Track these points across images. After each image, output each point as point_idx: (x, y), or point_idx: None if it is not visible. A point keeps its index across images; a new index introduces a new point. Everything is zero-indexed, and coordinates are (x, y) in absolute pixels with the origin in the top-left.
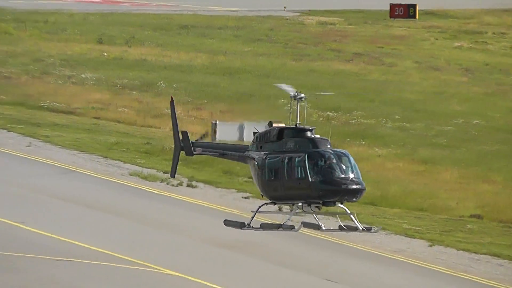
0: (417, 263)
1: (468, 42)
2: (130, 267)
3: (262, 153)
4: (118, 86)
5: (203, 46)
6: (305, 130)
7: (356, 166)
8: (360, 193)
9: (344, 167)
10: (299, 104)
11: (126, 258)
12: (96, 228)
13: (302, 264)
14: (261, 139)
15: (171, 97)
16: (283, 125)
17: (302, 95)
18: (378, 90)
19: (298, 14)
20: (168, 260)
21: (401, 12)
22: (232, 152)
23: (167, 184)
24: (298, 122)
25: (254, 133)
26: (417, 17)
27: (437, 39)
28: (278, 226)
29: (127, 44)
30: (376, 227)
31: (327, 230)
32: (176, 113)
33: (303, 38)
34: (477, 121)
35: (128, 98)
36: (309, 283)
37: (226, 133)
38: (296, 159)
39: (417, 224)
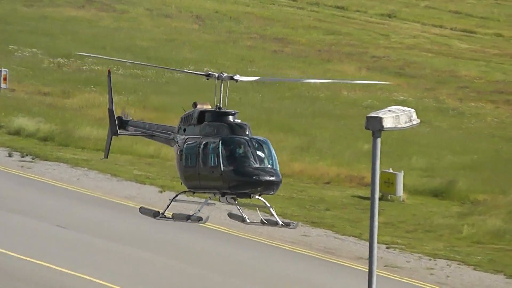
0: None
1: None
2: None
3: (183, 136)
4: None
5: None
6: (226, 114)
7: (275, 156)
8: (276, 185)
9: (259, 156)
10: (222, 85)
11: None
12: None
13: (34, 210)
14: (184, 122)
15: (108, 70)
16: (209, 107)
17: (225, 74)
18: (110, 37)
19: None
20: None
21: None
22: (160, 133)
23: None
24: (219, 104)
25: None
26: None
27: None
28: (187, 217)
29: None
30: (295, 222)
31: (250, 223)
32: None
33: None
34: (207, 68)
35: None
36: (40, 229)
37: None
38: (211, 145)
39: (148, 170)
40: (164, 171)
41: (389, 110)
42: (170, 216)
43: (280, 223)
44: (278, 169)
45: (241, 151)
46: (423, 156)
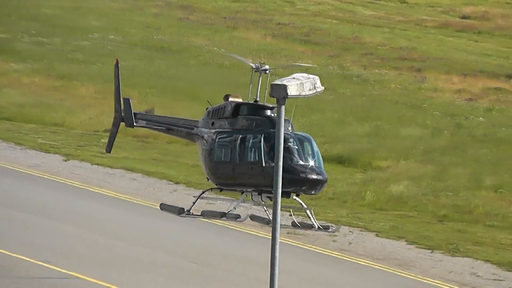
0: (52, 178)
1: None
2: None
3: (212, 130)
4: None
5: None
6: (265, 107)
7: (319, 153)
8: (321, 184)
9: (304, 153)
10: (260, 77)
11: None
12: None
13: None
14: (213, 115)
15: (116, 59)
16: (240, 100)
17: (267, 67)
18: (16, 5)
19: None
20: None
21: None
22: (179, 128)
23: None
24: (257, 98)
25: (207, 108)
26: None
27: None
28: (222, 215)
29: None
30: (335, 226)
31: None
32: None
33: None
34: (113, 36)
35: None
36: None
37: None
38: (251, 140)
39: (52, 139)
40: (68, 140)
41: (294, 78)
42: (198, 213)
43: (317, 226)
44: (323, 167)
45: (285, 146)
46: (327, 123)
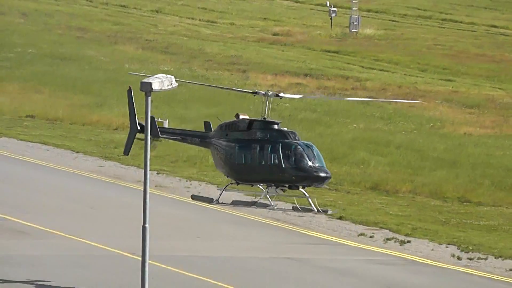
0: None
1: None
2: None
3: (230, 140)
4: None
5: None
6: (273, 123)
7: (321, 156)
8: (327, 180)
9: (313, 157)
10: (267, 101)
11: None
12: None
13: None
14: (227, 128)
15: (129, 86)
16: (247, 116)
17: (270, 93)
18: None
19: None
20: None
21: None
22: (193, 138)
23: None
24: (265, 116)
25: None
26: None
27: None
28: (252, 203)
29: None
30: (331, 210)
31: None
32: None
33: None
34: (31, 50)
35: None
36: None
37: None
38: (270, 147)
39: None
40: (0, 123)
41: (156, 77)
42: (228, 202)
43: (316, 210)
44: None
45: (299, 152)
46: (181, 107)
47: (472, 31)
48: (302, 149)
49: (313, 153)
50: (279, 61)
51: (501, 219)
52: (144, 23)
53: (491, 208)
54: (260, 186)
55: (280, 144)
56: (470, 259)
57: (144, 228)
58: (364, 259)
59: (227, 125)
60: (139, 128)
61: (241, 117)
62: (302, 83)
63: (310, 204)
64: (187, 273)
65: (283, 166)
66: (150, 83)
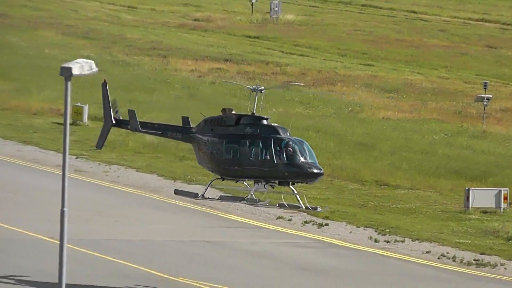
0: None
1: None
2: None
3: (216, 135)
4: None
5: None
6: (262, 118)
7: (313, 151)
8: (320, 176)
9: (305, 153)
10: (257, 96)
11: None
12: None
13: None
14: (212, 123)
15: (104, 79)
16: (234, 111)
17: (262, 87)
18: None
19: None
20: None
21: None
22: (174, 132)
23: None
24: (254, 111)
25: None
26: None
27: None
28: (240, 199)
29: None
30: (323, 207)
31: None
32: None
33: None
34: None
35: None
36: None
37: None
38: (260, 143)
39: None
40: None
41: (77, 62)
42: (216, 197)
43: (304, 207)
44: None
45: (292, 148)
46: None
47: (391, 16)
48: (294, 145)
49: (305, 149)
50: (199, 47)
51: (418, 202)
52: (64, 8)
53: (408, 191)
54: (244, 183)
55: (272, 140)
56: (387, 241)
57: (62, 211)
58: (282, 242)
59: (213, 120)
60: (114, 122)
61: (227, 111)
62: (223, 68)
63: (298, 200)
64: (106, 257)
65: (275, 162)
66: (70, 68)
